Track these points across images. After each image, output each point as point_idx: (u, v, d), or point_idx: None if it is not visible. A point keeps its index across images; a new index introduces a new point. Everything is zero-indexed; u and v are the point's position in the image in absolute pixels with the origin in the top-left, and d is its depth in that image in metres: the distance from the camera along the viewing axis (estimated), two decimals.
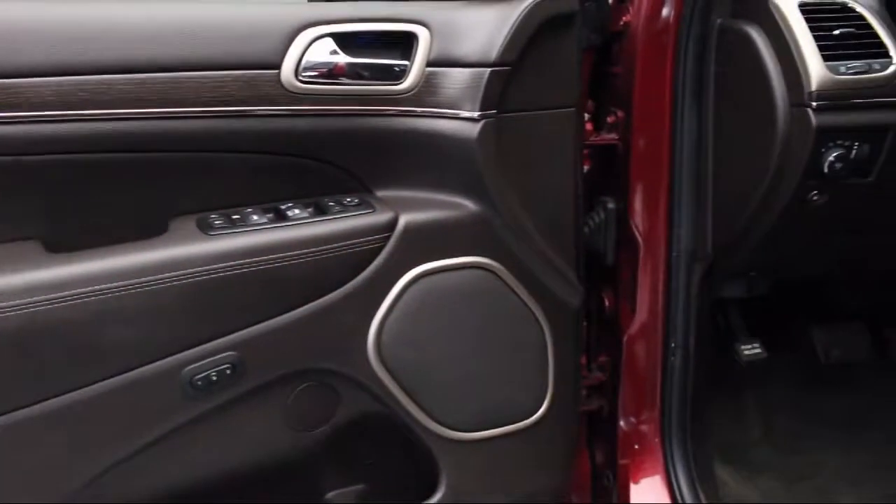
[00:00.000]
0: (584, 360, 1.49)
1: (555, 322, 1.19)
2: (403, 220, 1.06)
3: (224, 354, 1.01)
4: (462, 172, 1.08)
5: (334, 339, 1.07)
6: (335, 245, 1.03)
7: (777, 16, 1.17)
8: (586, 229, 1.38)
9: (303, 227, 1.03)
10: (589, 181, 1.42)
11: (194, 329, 1.00)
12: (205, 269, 0.98)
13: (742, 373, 1.72)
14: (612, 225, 1.39)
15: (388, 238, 1.06)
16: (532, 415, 1.21)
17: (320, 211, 1.06)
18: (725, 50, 1.26)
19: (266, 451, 1.13)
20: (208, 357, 1.00)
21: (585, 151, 1.37)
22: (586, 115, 1.39)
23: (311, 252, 1.02)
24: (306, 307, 1.04)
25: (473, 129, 1.04)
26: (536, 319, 1.17)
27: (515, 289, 1.15)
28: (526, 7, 1.06)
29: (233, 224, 1.02)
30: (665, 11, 1.29)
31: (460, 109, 1.05)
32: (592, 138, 1.38)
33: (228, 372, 1.01)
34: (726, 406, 1.73)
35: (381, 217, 1.06)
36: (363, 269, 1.05)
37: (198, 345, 1.00)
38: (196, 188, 1.05)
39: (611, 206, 1.38)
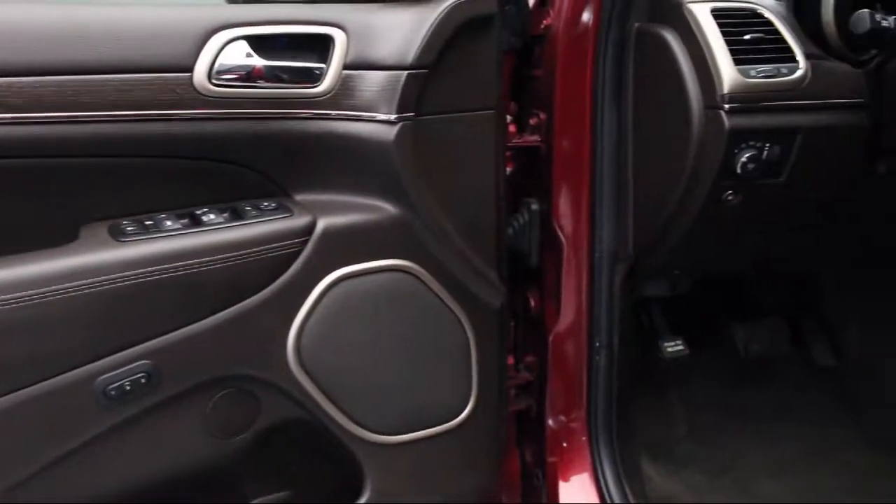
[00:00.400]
0: (511, 360, 1.50)
1: (477, 323, 1.19)
2: (322, 223, 1.06)
3: (138, 363, 0.99)
4: (380, 175, 1.07)
5: (252, 345, 1.05)
6: (252, 250, 1.02)
7: (691, 20, 1.20)
8: (511, 230, 1.40)
9: (218, 233, 1.02)
10: (513, 182, 1.43)
11: (107, 338, 0.97)
12: (116, 276, 0.96)
13: (667, 370, 1.75)
14: (537, 226, 1.40)
15: (306, 242, 1.05)
16: (456, 416, 1.21)
17: (237, 216, 1.04)
18: (643, 53, 1.28)
19: (187, 460, 1.11)
20: (122, 366, 0.98)
21: (508, 153, 1.38)
22: (509, 118, 1.40)
23: (227, 257, 1.01)
24: (223, 313, 1.02)
25: (390, 132, 1.04)
26: (458, 321, 1.18)
27: (436, 291, 1.15)
28: (443, 10, 1.06)
29: (145, 230, 1.00)
30: (584, 15, 1.31)
31: (377, 112, 1.04)
32: (515, 140, 1.39)
33: (143, 381, 0.99)
34: (652, 403, 1.76)
35: (298, 221, 1.05)
36: (281, 273, 1.04)
37: (111, 354, 0.97)
38: (107, 194, 1.02)
39: (535, 207, 1.39)
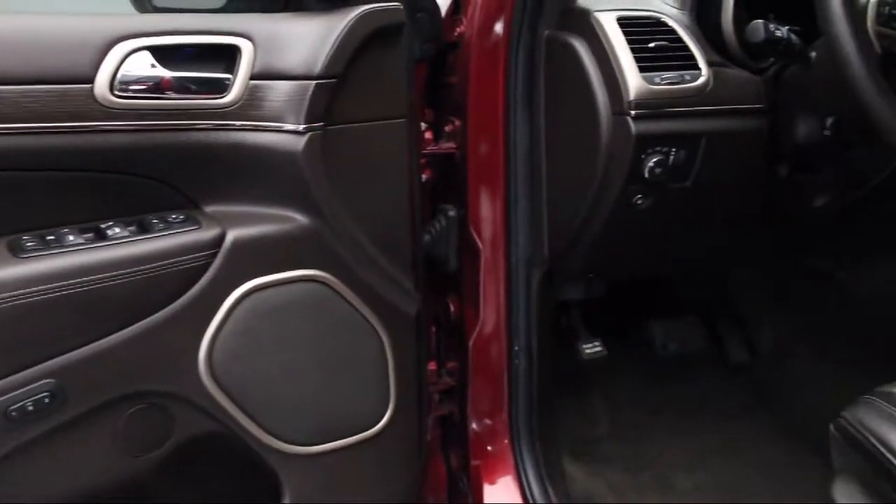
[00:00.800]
0: (433, 366, 1.51)
1: (393, 331, 1.20)
2: (231, 235, 1.04)
3: (41, 383, 0.96)
4: (290, 186, 1.06)
5: (163, 360, 1.03)
6: (159, 264, 1.00)
7: (598, 29, 1.22)
8: (428, 237, 1.40)
9: (124, 247, 0.99)
10: (431, 189, 1.44)
11: (6, 357, 0.94)
12: (16, 293, 0.93)
13: (588, 370, 1.78)
14: (454, 232, 1.41)
15: (215, 254, 1.03)
16: (375, 425, 1.21)
17: (143, 229, 1.02)
18: (553, 61, 1.30)
19: (100, 479, 1.08)
20: (23, 386, 0.95)
21: (424, 160, 1.39)
22: (425, 125, 1.41)
23: (134, 272, 0.99)
24: (130, 329, 1.00)
25: (299, 142, 1.04)
26: (374, 330, 1.18)
27: (351, 300, 1.14)
28: (351, 19, 1.06)
29: (47, 245, 0.97)
30: (496, 23, 1.33)
31: (285, 122, 1.03)
32: (430, 147, 1.39)
33: (47, 401, 0.96)
34: (574, 403, 1.79)
35: (207, 233, 1.03)
36: (190, 287, 1.02)
37: (11, 374, 0.95)
38: (7, 209, 0.99)
39: (451, 213, 1.40)
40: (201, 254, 1.03)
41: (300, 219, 1.09)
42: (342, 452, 1.19)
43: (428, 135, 1.42)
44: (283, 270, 1.08)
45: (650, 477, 1.68)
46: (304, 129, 1.03)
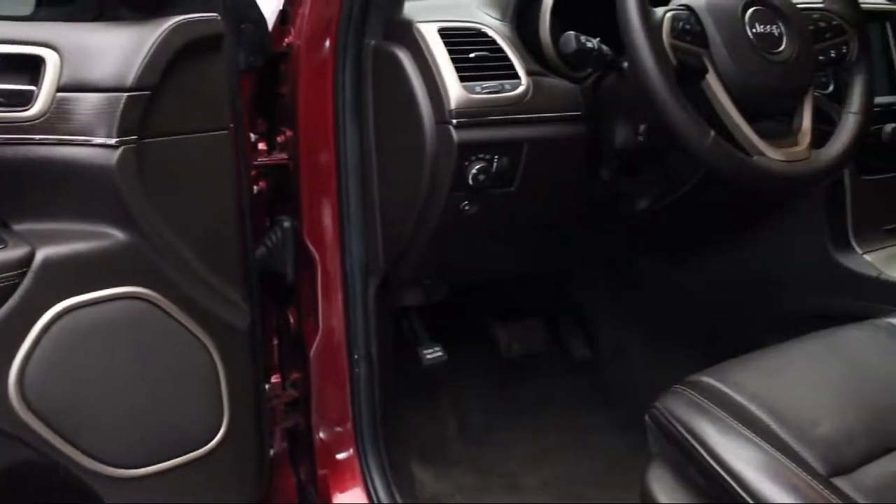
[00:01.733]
0: (278, 378, 1.50)
1: (224, 346, 1.18)
2: (41, 254, 1.00)
3: None
4: (105, 201, 1.03)
5: None
6: None
7: (420, 39, 1.24)
8: (264, 249, 1.39)
9: None
10: (267, 201, 1.43)
11: None
12: None
13: (434, 374, 1.81)
14: (290, 243, 1.40)
15: (24, 274, 0.99)
16: (207, 443, 1.19)
17: None
18: (379, 71, 1.32)
19: None
20: None
21: (256, 172, 1.38)
22: (258, 136, 1.39)
23: None
24: None
25: (112, 157, 1.00)
26: (203, 345, 1.15)
27: (177, 316, 1.12)
28: (165, 30, 1.03)
29: None
30: (323, 34, 1.33)
31: (96, 136, 1.00)
32: (262, 158, 1.38)
33: None
34: (422, 407, 1.82)
35: (13, 253, 0.99)
36: None
37: None
38: None
39: (287, 224, 1.39)
40: (8, 274, 0.98)
41: (117, 235, 1.05)
42: (173, 472, 1.16)
43: (261, 145, 1.41)
44: (101, 288, 1.05)
45: (498, 476, 1.72)
46: (117, 142, 1.00)
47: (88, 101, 1.00)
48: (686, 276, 1.90)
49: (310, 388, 1.48)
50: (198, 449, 1.18)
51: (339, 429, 1.50)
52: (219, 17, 1.09)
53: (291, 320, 1.47)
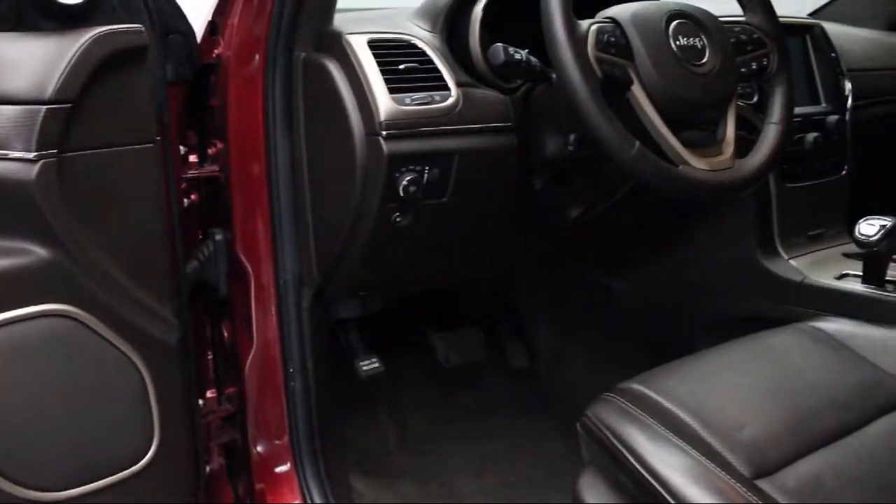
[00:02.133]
0: (213, 393, 1.48)
1: (153, 363, 1.15)
2: None
3: None
4: (24, 217, 1.00)
5: None
6: None
7: (349, 51, 1.24)
8: (196, 263, 1.37)
9: None
10: (199, 214, 1.41)
11: None
12: None
13: (373, 386, 1.80)
14: (223, 256, 1.39)
15: None
16: (137, 462, 1.16)
17: None
18: (309, 83, 1.31)
19: None
20: None
21: (186, 184, 1.36)
22: (189, 148, 1.38)
23: None
24: None
25: (30, 171, 0.98)
26: (131, 362, 1.13)
27: (103, 333, 1.09)
28: (86, 41, 1.01)
29: None
30: (253, 45, 1.32)
31: (13, 150, 0.97)
32: (193, 171, 1.37)
33: None
34: (363, 419, 1.81)
35: None
36: None
37: None
38: None
39: (219, 237, 1.38)
40: None
41: (38, 251, 1.03)
42: (104, 493, 1.13)
43: (192, 158, 1.39)
44: (21, 307, 1.02)
45: (438, 486, 1.72)
46: (36, 156, 0.98)
47: (4, 115, 0.97)
48: (620, 282, 1.93)
49: (245, 403, 1.46)
50: (128, 468, 1.15)
51: (276, 442, 1.48)
52: (143, 29, 1.07)
53: (226, 334, 1.46)
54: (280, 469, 1.49)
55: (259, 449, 1.49)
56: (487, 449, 1.82)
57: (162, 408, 1.18)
